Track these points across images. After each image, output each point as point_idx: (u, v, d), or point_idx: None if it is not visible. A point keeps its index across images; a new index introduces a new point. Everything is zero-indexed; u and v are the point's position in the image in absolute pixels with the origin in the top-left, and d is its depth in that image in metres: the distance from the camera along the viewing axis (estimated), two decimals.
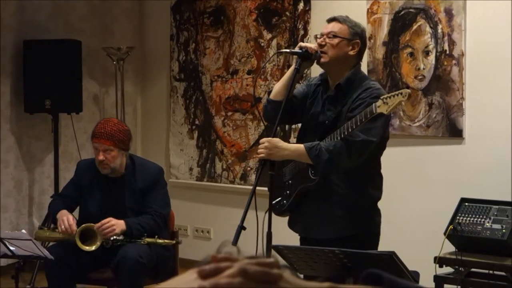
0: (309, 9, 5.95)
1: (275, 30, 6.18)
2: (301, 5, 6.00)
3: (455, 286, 4.48)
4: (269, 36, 6.21)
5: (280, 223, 3.91)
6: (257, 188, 3.57)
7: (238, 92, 6.42)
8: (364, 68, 5.26)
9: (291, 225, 3.91)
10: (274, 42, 6.16)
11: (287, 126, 5.81)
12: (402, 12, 5.39)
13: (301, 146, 3.61)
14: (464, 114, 5.13)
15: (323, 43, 3.68)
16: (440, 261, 4.48)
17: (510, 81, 4.93)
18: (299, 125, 4.03)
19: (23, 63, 6.33)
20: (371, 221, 3.75)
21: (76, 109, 6.42)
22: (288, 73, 3.83)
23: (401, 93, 3.37)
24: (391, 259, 3.13)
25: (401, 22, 5.40)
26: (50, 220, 6.02)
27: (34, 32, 6.46)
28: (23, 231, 4.59)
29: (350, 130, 3.47)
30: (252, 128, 6.36)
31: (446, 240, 4.47)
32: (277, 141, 3.66)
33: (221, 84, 6.55)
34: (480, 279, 4.44)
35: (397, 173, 5.28)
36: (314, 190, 3.70)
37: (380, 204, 3.79)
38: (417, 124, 5.35)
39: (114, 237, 4.57)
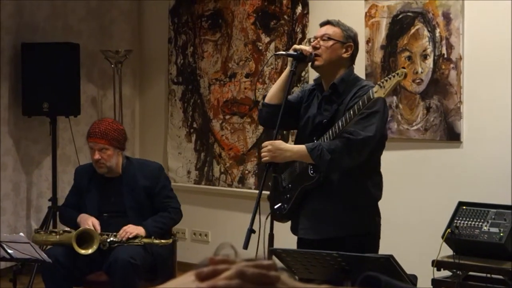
0: (307, 13, 5.96)
1: (273, 33, 6.18)
2: (299, 9, 6.00)
3: None
4: (267, 39, 6.22)
5: (280, 227, 3.91)
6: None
7: (236, 95, 6.43)
8: (362, 71, 5.27)
9: (294, 230, 3.89)
10: (272, 46, 6.16)
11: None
12: (400, 16, 5.40)
13: (303, 147, 3.62)
14: (462, 118, 5.14)
15: (318, 45, 3.70)
16: (438, 264, 4.48)
17: (508, 85, 4.93)
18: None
19: (21, 66, 6.32)
20: (372, 221, 3.76)
21: (74, 112, 6.42)
22: (283, 76, 3.83)
23: (397, 73, 3.39)
24: (389, 262, 3.13)
25: (399, 25, 5.41)
26: (48, 223, 6.03)
27: (32, 35, 6.46)
28: (21, 234, 4.59)
29: (348, 120, 3.49)
30: (250, 132, 6.36)
31: (444, 244, 4.47)
32: (280, 143, 3.68)
33: (219, 87, 6.55)
34: (478, 283, 4.44)
35: (395, 176, 5.28)
36: (314, 191, 3.71)
37: (379, 207, 3.80)
38: (415, 127, 5.35)
39: (111, 239, 4.59)
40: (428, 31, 5.25)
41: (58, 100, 6.25)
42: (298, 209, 3.81)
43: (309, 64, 3.77)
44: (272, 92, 3.84)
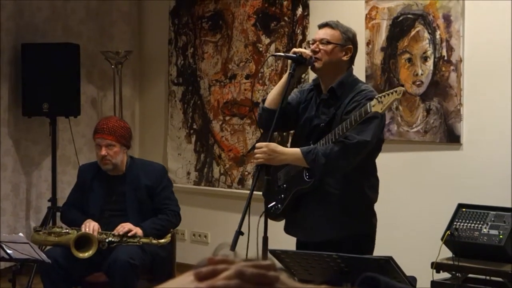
0: (308, 14, 5.96)
1: (273, 35, 6.19)
2: (299, 10, 6.01)
3: None
4: (267, 41, 6.22)
5: (277, 227, 3.91)
6: (253, 192, 3.57)
7: (236, 96, 6.43)
8: (362, 73, 5.27)
9: (287, 229, 3.91)
10: (272, 47, 6.16)
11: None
12: (401, 18, 5.40)
13: (298, 150, 3.61)
14: (462, 120, 5.14)
15: (317, 49, 3.69)
16: (437, 266, 4.48)
17: (507, 87, 4.93)
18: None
19: (21, 67, 6.33)
20: (367, 223, 3.75)
21: (74, 112, 6.42)
22: (283, 79, 3.82)
23: (396, 91, 3.39)
24: (389, 264, 3.13)
25: (399, 27, 5.41)
26: (48, 223, 6.02)
27: (32, 36, 6.46)
28: (21, 234, 4.59)
29: (345, 130, 3.49)
30: (250, 133, 6.36)
31: (443, 246, 4.48)
32: (275, 146, 3.67)
33: (219, 88, 6.55)
34: (477, 285, 4.45)
35: (394, 178, 5.29)
36: (308, 193, 3.70)
37: (377, 209, 3.80)
38: (415, 129, 5.35)
39: (110, 239, 4.60)
40: (429, 33, 5.26)
41: (58, 101, 6.25)
42: (292, 209, 3.81)
43: (309, 67, 3.77)
44: (272, 97, 3.83)
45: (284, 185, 3.82)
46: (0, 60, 6.31)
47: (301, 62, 3.72)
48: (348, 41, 3.73)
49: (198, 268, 0.79)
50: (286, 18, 6.10)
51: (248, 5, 6.33)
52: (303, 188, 3.70)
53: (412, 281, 3.51)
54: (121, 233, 4.60)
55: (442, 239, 4.48)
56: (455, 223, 4.55)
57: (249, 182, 6.29)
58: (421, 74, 5.30)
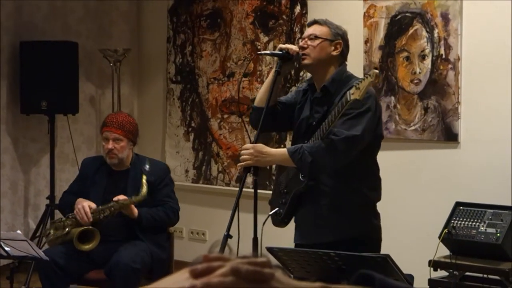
0: (306, 13, 5.96)
1: (271, 33, 6.18)
2: (297, 9, 6.01)
3: None
4: (265, 39, 6.22)
5: (274, 227, 3.90)
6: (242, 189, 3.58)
7: (235, 94, 6.43)
8: (360, 71, 5.27)
9: (297, 239, 3.80)
10: (270, 45, 6.16)
11: None
12: (399, 16, 5.40)
13: (284, 150, 3.58)
14: (459, 118, 5.14)
15: (305, 45, 3.66)
16: (434, 264, 4.48)
17: (505, 85, 4.94)
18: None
19: (19, 64, 6.32)
20: (368, 224, 3.66)
21: (73, 110, 6.42)
22: (269, 77, 3.79)
23: (370, 75, 3.35)
24: (386, 262, 3.14)
25: (398, 26, 5.41)
26: (46, 221, 6.02)
27: (31, 34, 6.46)
28: (19, 231, 4.59)
29: (331, 124, 3.43)
30: (248, 131, 6.35)
31: (441, 244, 4.48)
32: (262, 147, 3.63)
33: (217, 86, 6.55)
34: (475, 283, 4.45)
35: (392, 176, 5.28)
36: (306, 195, 3.65)
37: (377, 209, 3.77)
38: (413, 128, 5.35)
39: (104, 215, 4.59)
40: (427, 31, 5.26)
41: (56, 99, 6.25)
42: (293, 214, 3.75)
43: (297, 64, 3.75)
44: (260, 95, 3.80)
45: (285, 190, 3.77)
46: None
47: (287, 59, 3.68)
48: (338, 36, 3.68)
49: (194, 265, 0.79)
50: (284, 17, 6.10)
51: (247, 3, 6.33)
52: (299, 189, 3.65)
53: (409, 279, 3.52)
54: (114, 199, 4.59)
55: (439, 237, 4.48)
56: (452, 221, 4.55)
57: (247, 180, 6.26)
58: (419, 73, 5.30)
